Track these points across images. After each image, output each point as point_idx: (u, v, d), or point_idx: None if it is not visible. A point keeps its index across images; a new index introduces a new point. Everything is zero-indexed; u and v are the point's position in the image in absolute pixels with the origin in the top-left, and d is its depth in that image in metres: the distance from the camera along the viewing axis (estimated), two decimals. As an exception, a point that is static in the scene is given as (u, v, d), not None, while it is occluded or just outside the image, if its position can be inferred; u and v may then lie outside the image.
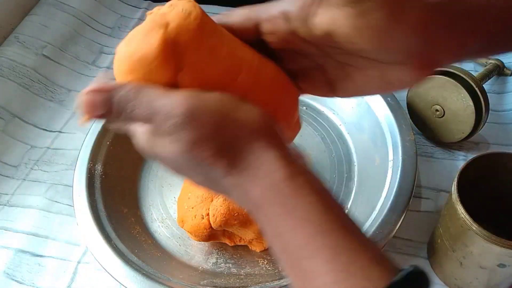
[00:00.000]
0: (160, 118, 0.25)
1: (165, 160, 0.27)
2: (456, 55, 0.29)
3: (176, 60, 0.25)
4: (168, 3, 0.27)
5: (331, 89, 0.31)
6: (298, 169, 0.25)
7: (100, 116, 0.26)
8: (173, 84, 0.26)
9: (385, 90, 0.30)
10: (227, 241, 0.49)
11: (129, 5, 0.86)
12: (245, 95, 0.27)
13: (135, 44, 0.26)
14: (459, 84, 0.52)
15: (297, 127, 0.34)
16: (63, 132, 0.65)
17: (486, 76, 0.60)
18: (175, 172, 0.28)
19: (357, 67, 0.29)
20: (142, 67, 0.26)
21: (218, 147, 0.25)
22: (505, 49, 0.31)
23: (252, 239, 0.48)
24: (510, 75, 0.65)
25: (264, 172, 0.25)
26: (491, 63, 0.64)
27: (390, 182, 0.48)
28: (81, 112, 0.26)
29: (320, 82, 0.31)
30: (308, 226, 0.23)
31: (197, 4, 0.27)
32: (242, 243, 0.49)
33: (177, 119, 0.24)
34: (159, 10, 0.27)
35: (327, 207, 0.24)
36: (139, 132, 0.26)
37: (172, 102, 0.24)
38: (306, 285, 0.23)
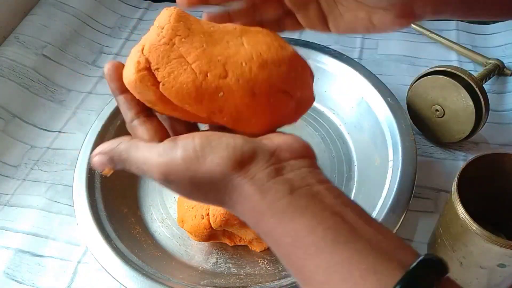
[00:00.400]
0: (149, 176, 0.29)
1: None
2: (436, 10, 0.34)
3: (152, 78, 0.29)
4: (157, 17, 0.31)
5: (324, 25, 0.36)
6: (276, 194, 0.25)
7: (113, 169, 0.31)
8: (161, 96, 0.29)
9: (369, 30, 0.35)
10: (227, 241, 0.49)
11: (129, 5, 0.86)
12: (242, 88, 0.29)
13: (126, 68, 0.30)
14: (459, 84, 0.52)
15: (310, 101, 0.34)
16: (63, 132, 0.65)
17: (486, 76, 0.60)
18: None
19: (347, 7, 0.34)
20: (132, 89, 0.30)
21: (203, 195, 0.28)
22: (484, 12, 0.36)
23: (252, 239, 0.48)
24: (510, 75, 0.65)
25: (248, 209, 0.26)
26: (491, 63, 0.64)
27: (390, 182, 0.48)
28: (97, 169, 0.31)
29: (315, 17, 0.36)
30: (297, 252, 0.24)
31: (175, 12, 0.31)
32: (242, 243, 0.49)
33: (158, 181, 0.28)
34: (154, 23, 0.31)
35: (314, 225, 0.24)
36: None
37: (151, 165, 0.28)
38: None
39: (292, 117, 0.32)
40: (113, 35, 0.80)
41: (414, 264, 0.22)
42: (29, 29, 0.74)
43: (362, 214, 0.25)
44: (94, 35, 0.79)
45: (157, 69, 0.29)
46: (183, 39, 0.30)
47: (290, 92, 0.30)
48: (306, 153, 0.28)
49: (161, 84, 0.29)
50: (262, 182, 0.26)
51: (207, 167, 0.26)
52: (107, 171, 0.31)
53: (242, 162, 0.26)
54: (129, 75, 0.29)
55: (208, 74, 0.29)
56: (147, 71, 0.29)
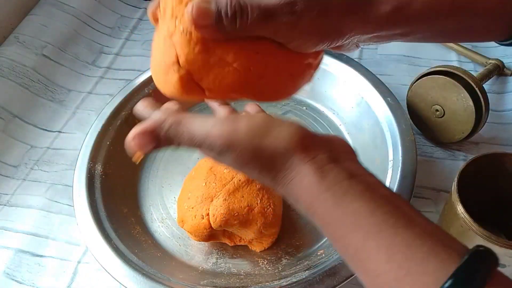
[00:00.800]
0: (206, 147, 0.29)
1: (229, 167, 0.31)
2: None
3: (198, 87, 0.30)
4: (169, 13, 0.30)
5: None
6: (337, 176, 0.26)
7: (151, 150, 0.30)
8: (208, 97, 0.30)
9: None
10: (227, 241, 0.49)
11: (129, 5, 0.86)
12: (274, 58, 0.30)
13: (162, 83, 0.31)
14: (459, 84, 0.52)
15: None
16: (63, 132, 0.65)
17: (486, 76, 0.60)
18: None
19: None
20: (177, 99, 0.31)
21: (260, 167, 0.28)
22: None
23: (252, 239, 0.48)
24: (510, 75, 0.65)
25: (304, 188, 0.27)
26: (491, 63, 0.64)
27: (390, 182, 0.48)
28: (133, 151, 0.30)
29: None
30: (359, 231, 0.25)
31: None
32: (242, 243, 0.49)
33: (219, 149, 0.28)
34: (163, 19, 0.30)
35: (373, 208, 0.25)
36: (196, 150, 0.30)
37: (211, 134, 0.28)
38: (372, 282, 0.25)
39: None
40: (113, 35, 0.80)
41: (473, 251, 0.23)
42: (29, 29, 0.74)
43: (412, 206, 0.26)
44: (94, 35, 0.79)
45: (200, 79, 0.29)
46: (215, 43, 0.29)
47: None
48: (350, 151, 0.30)
49: (206, 91, 0.30)
50: (323, 163, 0.27)
51: (272, 139, 0.27)
52: (139, 156, 0.30)
53: (305, 143, 0.27)
54: (173, 91, 0.30)
55: (251, 68, 0.29)
56: (191, 83, 0.29)
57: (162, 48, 0.30)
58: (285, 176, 0.27)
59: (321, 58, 0.35)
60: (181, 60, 0.29)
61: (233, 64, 0.29)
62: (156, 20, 0.32)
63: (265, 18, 0.28)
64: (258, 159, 0.28)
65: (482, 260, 0.23)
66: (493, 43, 0.38)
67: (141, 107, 0.34)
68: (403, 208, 0.25)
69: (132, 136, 0.30)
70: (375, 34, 0.32)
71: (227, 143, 0.28)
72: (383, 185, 0.27)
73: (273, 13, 0.28)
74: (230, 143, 0.28)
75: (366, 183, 0.26)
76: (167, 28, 0.30)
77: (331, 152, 0.28)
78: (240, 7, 0.27)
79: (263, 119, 0.29)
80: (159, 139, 0.29)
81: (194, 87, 0.30)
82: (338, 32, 0.30)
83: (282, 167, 0.27)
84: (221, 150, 0.28)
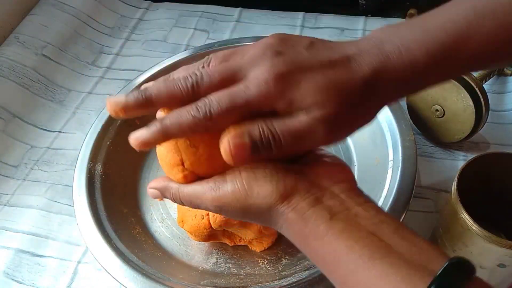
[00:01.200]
0: (203, 207, 0.32)
1: None
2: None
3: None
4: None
5: None
6: (315, 222, 0.28)
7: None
8: None
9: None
10: (227, 241, 0.49)
11: (129, 5, 0.86)
12: None
13: (167, 173, 0.33)
14: (459, 84, 0.52)
15: None
16: (63, 132, 0.65)
17: (486, 76, 0.60)
18: None
19: None
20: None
21: (254, 220, 0.32)
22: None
23: (252, 239, 0.48)
24: (510, 75, 0.65)
25: (292, 234, 0.29)
26: (491, 63, 0.64)
27: (390, 182, 0.48)
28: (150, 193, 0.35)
29: None
30: (339, 269, 0.27)
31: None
32: (242, 243, 0.49)
33: (214, 210, 0.31)
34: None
35: (351, 245, 0.26)
36: None
37: (205, 202, 0.31)
38: None
39: None
40: (113, 35, 0.80)
41: (441, 270, 0.23)
42: (29, 29, 0.74)
43: (398, 228, 0.27)
44: (94, 35, 0.79)
45: (205, 174, 0.32)
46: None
47: None
48: (345, 178, 0.31)
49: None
50: (304, 211, 0.28)
51: (254, 199, 0.29)
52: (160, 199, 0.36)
53: (285, 194, 0.29)
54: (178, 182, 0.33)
55: None
56: (195, 177, 0.32)
57: (166, 147, 0.32)
58: (275, 225, 0.30)
59: None
60: (186, 164, 0.32)
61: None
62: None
63: (298, 140, 0.29)
64: (248, 216, 0.31)
65: (454, 273, 0.23)
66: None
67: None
68: (384, 235, 0.26)
69: (149, 186, 0.34)
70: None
71: (218, 208, 0.31)
72: (370, 211, 0.28)
73: (306, 134, 0.29)
74: (220, 207, 0.31)
75: (347, 219, 0.28)
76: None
77: (315, 194, 0.29)
78: (272, 136, 0.29)
79: (247, 175, 0.30)
80: (167, 197, 0.34)
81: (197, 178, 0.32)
82: (371, 116, 0.31)
83: (271, 217, 0.29)
84: (216, 211, 0.31)
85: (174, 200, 0.33)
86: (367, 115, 0.31)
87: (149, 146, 0.30)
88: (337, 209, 0.28)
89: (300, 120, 0.28)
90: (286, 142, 0.29)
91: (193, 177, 0.32)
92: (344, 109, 0.29)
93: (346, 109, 0.29)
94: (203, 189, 0.31)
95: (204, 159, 0.31)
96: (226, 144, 0.28)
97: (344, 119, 0.29)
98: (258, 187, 0.29)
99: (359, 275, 0.25)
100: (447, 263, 0.24)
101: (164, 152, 0.33)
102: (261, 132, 0.28)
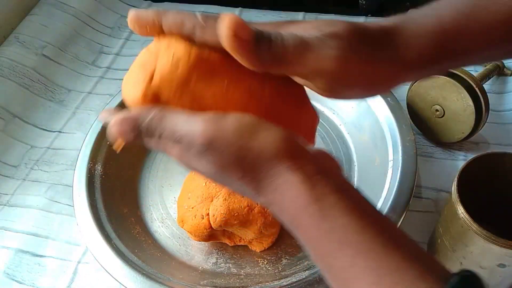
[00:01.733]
0: (185, 144, 0.26)
1: (203, 174, 0.28)
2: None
3: (160, 104, 0.28)
4: (166, 41, 0.29)
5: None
6: (325, 188, 0.25)
7: (132, 140, 0.28)
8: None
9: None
10: (227, 241, 0.49)
11: (129, 5, 0.86)
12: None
13: (127, 89, 0.29)
14: (459, 84, 0.52)
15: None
16: (63, 132, 0.65)
17: (486, 76, 0.60)
18: (215, 182, 0.29)
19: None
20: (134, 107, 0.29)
21: (243, 171, 0.26)
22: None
23: (252, 239, 0.48)
24: (510, 75, 0.65)
25: (290, 198, 0.25)
26: (491, 63, 0.64)
27: (390, 182, 0.48)
28: (114, 139, 0.28)
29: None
30: (347, 249, 0.23)
31: (193, 48, 0.28)
32: (242, 243, 0.49)
33: (199, 147, 0.26)
34: (157, 44, 0.29)
35: (363, 225, 0.24)
36: (172, 152, 0.28)
37: (193, 130, 0.26)
38: None
39: None
40: (113, 35, 0.80)
41: (460, 277, 0.22)
42: (29, 29, 0.74)
43: (400, 229, 0.26)
44: (94, 35, 0.79)
45: (166, 102, 0.28)
46: (201, 77, 0.28)
47: None
48: (338, 165, 0.28)
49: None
50: (312, 173, 0.25)
51: (259, 142, 0.25)
52: (119, 143, 0.29)
53: (293, 150, 0.25)
54: (133, 99, 0.28)
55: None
56: (154, 101, 0.28)
57: (144, 57, 0.29)
58: (269, 183, 0.25)
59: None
60: (155, 78, 0.28)
61: (210, 104, 0.27)
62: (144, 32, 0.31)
63: (304, 48, 0.26)
64: (241, 162, 0.25)
65: (469, 285, 0.22)
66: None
67: (107, 114, 0.30)
68: (392, 229, 0.25)
69: (113, 122, 0.28)
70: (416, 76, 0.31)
71: (209, 141, 0.25)
72: (370, 204, 0.26)
73: (312, 44, 0.26)
74: (212, 140, 0.25)
75: (355, 198, 0.25)
76: (157, 46, 0.29)
77: (318, 164, 0.26)
78: (280, 36, 0.26)
79: (252, 120, 0.26)
80: (140, 129, 0.27)
81: (156, 103, 0.28)
82: (388, 82, 0.29)
83: (267, 173, 0.25)
84: (200, 149, 0.26)
85: (148, 130, 0.27)
86: (380, 75, 0.28)
87: (142, 24, 0.29)
88: (343, 186, 0.26)
89: (311, 33, 0.27)
90: (289, 44, 0.26)
91: (153, 100, 0.28)
92: (357, 44, 0.27)
93: (360, 46, 0.27)
94: (195, 119, 0.26)
95: (181, 83, 0.27)
96: (228, 22, 0.25)
97: (354, 59, 0.27)
98: (267, 131, 0.26)
99: (371, 261, 0.23)
100: (464, 273, 0.22)
101: (141, 57, 0.29)
102: (266, 31, 0.26)
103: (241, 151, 0.25)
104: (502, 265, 0.39)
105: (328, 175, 0.26)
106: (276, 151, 0.25)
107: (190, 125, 0.26)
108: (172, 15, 0.28)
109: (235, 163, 0.25)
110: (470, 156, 0.54)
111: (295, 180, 0.25)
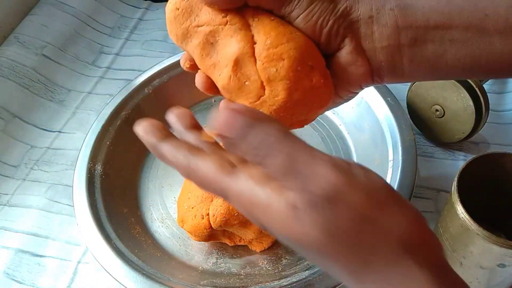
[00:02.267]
0: (298, 185, 0.20)
1: (274, 231, 0.21)
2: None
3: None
4: None
5: None
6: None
7: (221, 137, 0.22)
8: None
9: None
10: (227, 241, 0.49)
11: (129, 5, 0.86)
12: None
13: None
14: (459, 84, 0.52)
15: None
16: (63, 132, 0.65)
17: (486, 76, 0.60)
18: (282, 239, 0.22)
19: None
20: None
21: (352, 248, 0.20)
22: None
23: (252, 239, 0.48)
24: (510, 75, 0.65)
25: None
26: (491, 63, 0.64)
27: (390, 182, 0.48)
28: (210, 124, 0.22)
29: None
30: None
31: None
32: (242, 243, 0.49)
33: (314, 197, 0.19)
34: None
35: None
36: (247, 181, 0.21)
37: (317, 171, 0.19)
38: None
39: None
40: (113, 35, 0.80)
41: None
42: (29, 29, 0.74)
43: None
44: (94, 35, 0.79)
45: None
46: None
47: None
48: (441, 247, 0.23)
49: None
50: (444, 270, 0.21)
51: (389, 218, 0.20)
52: (214, 133, 0.24)
53: (422, 238, 0.20)
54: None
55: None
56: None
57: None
58: (381, 271, 0.20)
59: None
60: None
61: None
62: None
63: None
64: (360, 234, 0.19)
65: None
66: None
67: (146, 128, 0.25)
68: None
69: (228, 106, 0.21)
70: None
71: (335, 193, 0.19)
72: None
73: None
74: (338, 195, 0.19)
75: None
76: None
77: (441, 257, 0.21)
78: None
79: (386, 186, 0.21)
80: (246, 134, 0.21)
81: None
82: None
83: (386, 265, 0.19)
84: (316, 201, 0.19)
85: (249, 146, 0.21)
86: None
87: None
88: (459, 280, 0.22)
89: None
90: None
91: (206, 79, 0.28)
92: None
93: None
94: (323, 156, 0.20)
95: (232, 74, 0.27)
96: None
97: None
98: (399, 207, 0.21)
99: None
100: None
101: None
102: None
103: (365, 221, 0.19)
104: (502, 265, 0.39)
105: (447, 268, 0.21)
106: (405, 238, 0.20)
107: (314, 160, 0.20)
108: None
109: (353, 236, 0.19)
110: (470, 156, 0.54)
111: (423, 280, 0.19)
